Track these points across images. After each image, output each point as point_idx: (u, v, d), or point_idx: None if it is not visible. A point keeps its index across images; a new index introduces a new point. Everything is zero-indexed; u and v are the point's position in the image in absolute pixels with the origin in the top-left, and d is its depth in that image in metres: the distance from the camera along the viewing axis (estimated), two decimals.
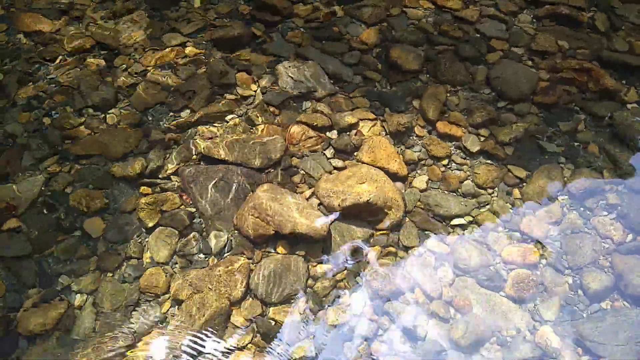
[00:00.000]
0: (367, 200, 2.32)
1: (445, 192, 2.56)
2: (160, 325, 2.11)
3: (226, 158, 2.55)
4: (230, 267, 2.22)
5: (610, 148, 2.68)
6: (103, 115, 2.81)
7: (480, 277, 2.25)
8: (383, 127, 2.78)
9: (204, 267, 2.25)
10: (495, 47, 3.20)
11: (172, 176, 2.56)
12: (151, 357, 2.00)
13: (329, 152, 2.68)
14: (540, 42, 3.22)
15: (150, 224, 2.38)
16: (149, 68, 3.03)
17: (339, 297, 2.20)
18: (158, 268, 2.27)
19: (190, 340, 2.02)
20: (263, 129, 2.74)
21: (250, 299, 2.18)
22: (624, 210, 2.44)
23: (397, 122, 2.76)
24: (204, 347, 2.03)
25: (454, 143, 2.74)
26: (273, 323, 2.12)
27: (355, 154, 2.66)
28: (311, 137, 2.71)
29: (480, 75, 3.03)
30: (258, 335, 2.09)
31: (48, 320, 2.09)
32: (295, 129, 2.72)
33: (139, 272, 2.26)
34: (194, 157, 2.63)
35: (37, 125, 2.74)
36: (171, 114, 2.82)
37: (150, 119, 2.80)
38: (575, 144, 2.73)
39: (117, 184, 2.52)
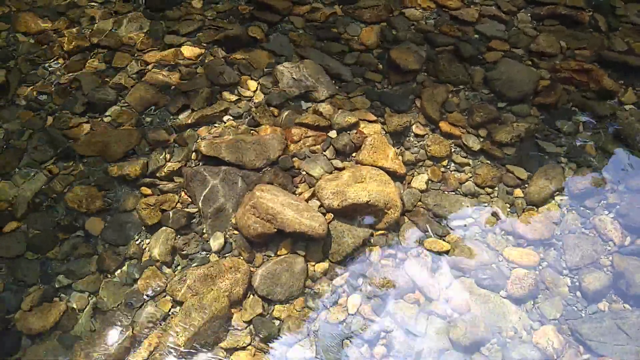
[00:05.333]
0: (367, 201, 2.32)
1: (445, 192, 2.56)
2: (161, 326, 2.10)
3: (226, 158, 2.55)
4: (230, 267, 2.22)
5: (610, 148, 2.68)
6: (103, 115, 2.81)
7: (480, 277, 2.25)
8: (383, 127, 2.78)
9: (204, 267, 2.25)
10: (496, 47, 3.20)
11: (172, 176, 2.56)
12: (151, 357, 2.00)
13: (329, 152, 2.68)
14: (541, 42, 3.22)
15: (150, 224, 2.38)
16: (148, 68, 3.03)
17: (338, 297, 2.20)
18: (158, 268, 2.27)
19: (191, 341, 2.02)
20: (263, 129, 2.74)
21: (250, 299, 2.18)
22: (624, 210, 2.44)
23: (397, 122, 2.76)
24: (204, 347, 2.03)
25: (454, 143, 2.74)
26: (273, 323, 2.12)
27: (355, 154, 2.66)
28: (311, 137, 2.71)
29: (480, 75, 3.04)
30: (258, 335, 2.09)
31: (48, 320, 2.09)
32: (295, 129, 2.72)
33: (139, 272, 2.25)
34: (194, 157, 2.63)
35: (38, 125, 2.74)
36: (171, 114, 2.82)
37: (150, 119, 2.80)
38: (576, 144, 2.73)
39: (117, 184, 2.52)
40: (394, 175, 2.55)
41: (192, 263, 2.29)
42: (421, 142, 2.74)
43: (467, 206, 2.48)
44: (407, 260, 2.30)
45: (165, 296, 2.19)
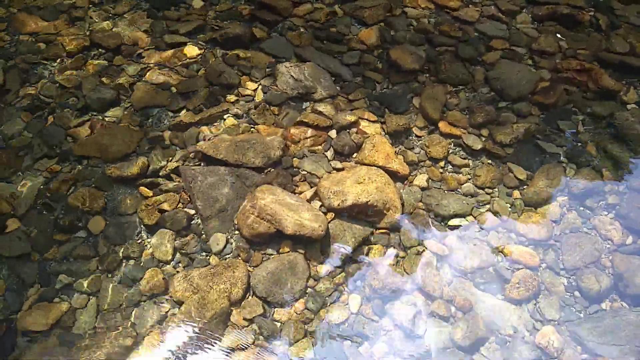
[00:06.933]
0: (367, 201, 2.32)
1: (446, 192, 2.56)
2: (161, 326, 2.11)
3: (226, 158, 2.55)
4: (230, 267, 2.22)
5: (610, 148, 2.68)
6: (103, 115, 2.81)
7: (480, 277, 2.25)
8: (383, 127, 2.78)
9: (204, 267, 2.25)
10: (496, 47, 3.20)
11: (172, 176, 2.56)
12: (151, 357, 2.00)
13: (329, 153, 2.68)
14: (541, 42, 3.22)
15: (150, 224, 2.38)
16: (148, 68, 3.04)
17: (339, 297, 2.20)
18: (158, 268, 2.27)
19: (191, 341, 2.02)
20: (263, 129, 2.74)
21: (251, 299, 2.18)
22: (623, 211, 2.44)
23: (397, 122, 2.77)
24: (204, 347, 2.03)
25: (453, 143, 2.74)
26: (273, 322, 2.12)
27: (355, 154, 2.66)
28: (311, 137, 2.71)
29: (480, 75, 3.04)
30: (258, 335, 2.09)
31: (48, 320, 2.09)
32: (295, 129, 2.72)
33: (139, 272, 2.25)
34: (194, 157, 2.63)
35: (38, 126, 2.74)
36: (171, 114, 2.82)
37: (150, 119, 2.80)
38: (576, 144, 2.73)
39: (117, 185, 2.52)
40: (395, 176, 2.55)
41: (192, 263, 2.29)
42: (421, 142, 2.74)
43: (467, 206, 2.48)
44: (407, 260, 2.30)
45: (165, 296, 2.19)
